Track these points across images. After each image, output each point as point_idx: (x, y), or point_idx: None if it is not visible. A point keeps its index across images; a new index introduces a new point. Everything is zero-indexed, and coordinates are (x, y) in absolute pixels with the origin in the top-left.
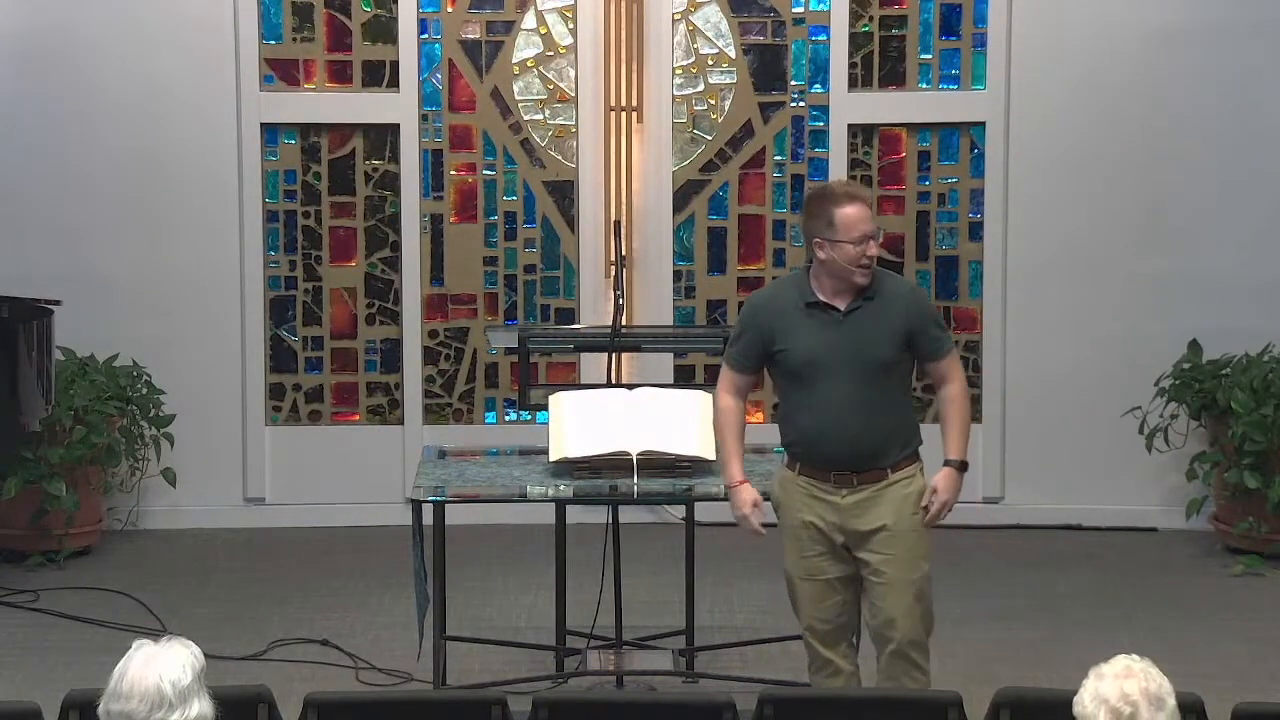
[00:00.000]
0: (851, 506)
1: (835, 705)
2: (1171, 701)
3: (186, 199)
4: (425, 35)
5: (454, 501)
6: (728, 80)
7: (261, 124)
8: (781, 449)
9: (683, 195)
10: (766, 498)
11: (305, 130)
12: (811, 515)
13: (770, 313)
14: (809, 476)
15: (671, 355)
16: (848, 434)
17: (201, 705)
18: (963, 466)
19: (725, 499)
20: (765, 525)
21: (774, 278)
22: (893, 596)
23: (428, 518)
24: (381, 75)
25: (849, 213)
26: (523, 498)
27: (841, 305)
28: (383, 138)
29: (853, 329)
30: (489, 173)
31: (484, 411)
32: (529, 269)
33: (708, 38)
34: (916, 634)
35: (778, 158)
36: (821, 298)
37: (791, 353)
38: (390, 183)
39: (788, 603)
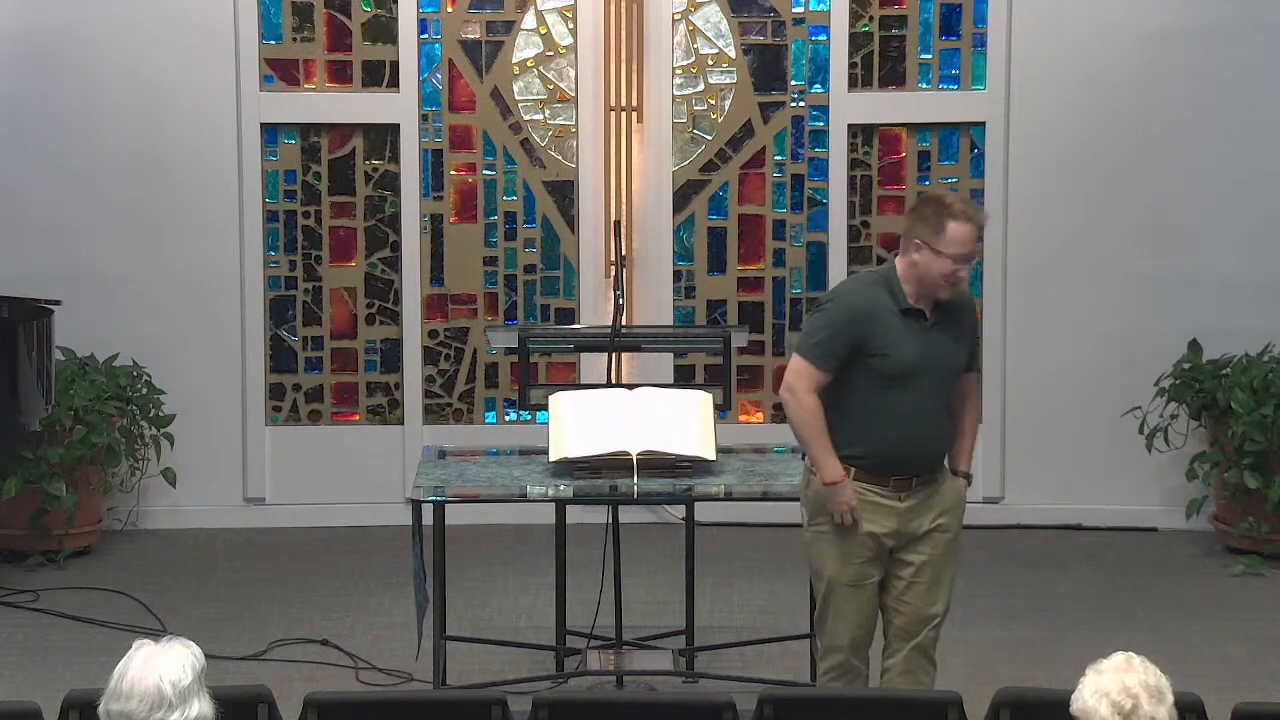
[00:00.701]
0: (907, 510)
1: (835, 705)
2: (1170, 696)
3: (186, 199)
4: (425, 35)
5: (454, 501)
6: (728, 80)
7: (261, 124)
8: (787, 449)
9: (683, 195)
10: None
11: (305, 130)
12: (868, 523)
13: (866, 314)
14: (865, 483)
15: (671, 355)
16: (927, 440)
17: (202, 705)
18: (969, 478)
19: (813, 495)
20: (788, 525)
21: (774, 279)
22: (937, 592)
23: (428, 518)
24: (381, 75)
25: (960, 229)
26: (523, 498)
27: (927, 312)
28: (383, 138)
29: (939, 337)
30: (489, 173)
31: (484, 411)
32: (529, 269)
33: (708, 38)
34: (938, 632)
35: (778, 158)
36: (913, 303)
37: (891, 359)
38: (390, 183)
39: (787, 602)
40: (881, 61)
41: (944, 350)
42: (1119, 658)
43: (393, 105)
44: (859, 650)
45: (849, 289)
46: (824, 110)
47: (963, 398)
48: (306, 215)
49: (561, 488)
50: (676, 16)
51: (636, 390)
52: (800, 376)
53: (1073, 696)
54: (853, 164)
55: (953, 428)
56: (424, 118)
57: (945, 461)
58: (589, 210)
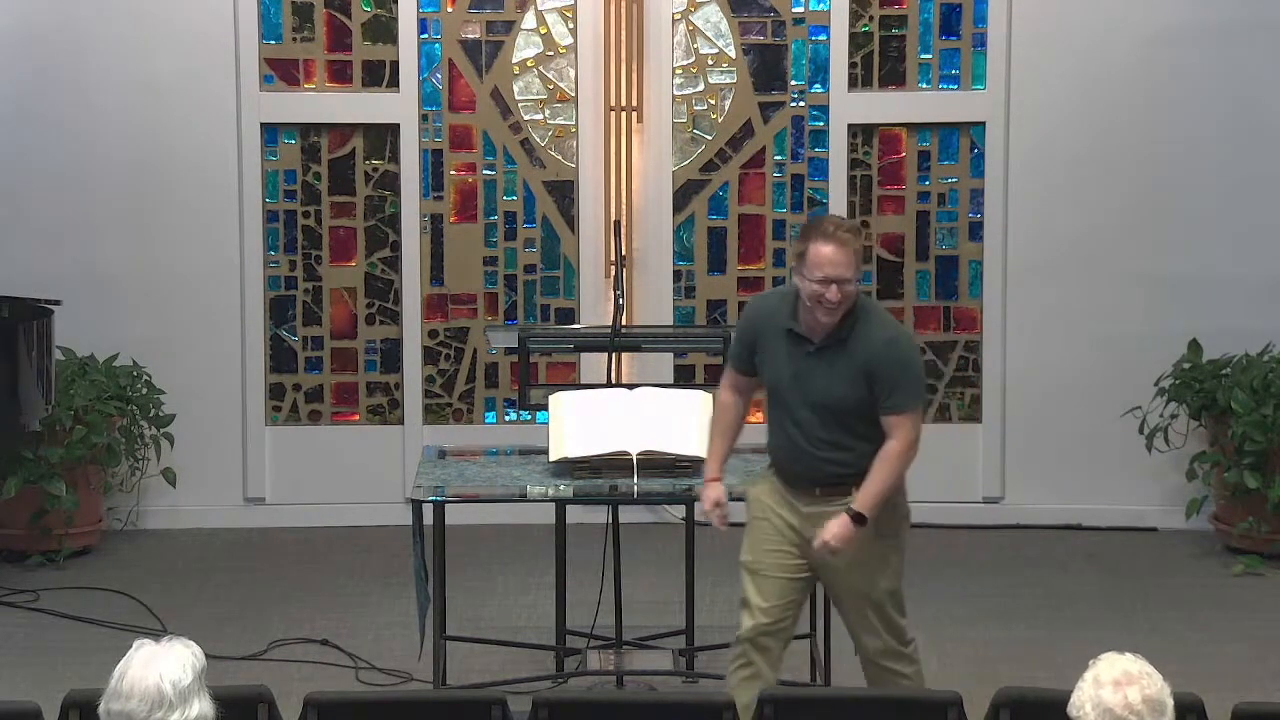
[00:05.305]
0: (812, 516)
1: (835, 705)
2: (1170, 702)
3: (186, 199)
4: (425, 35)
5: (454, 501)
6: (728, 80)
7: (261, 124)
8: None
9: (683, 195)
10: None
11: (305, 130)
12: (773, 514)
13: (757, 324)
14: (780, 477)
15: (671, 355)
16: (803, 464)
17: (202, 705)
18: (857, 517)
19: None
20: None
21: (774, 279)
22: (853, 612)
23: (428, 518)
24: (381, 75)
25: (820, 250)
26: (523, 498)
27: (815, 339)
28: (383, 138)
29: (818, 367)
30: (489, 173)
31: (484, 411)
32: (529, 269)
33: (708, 38)
34: (882, 644)
35: (778, 158)
36: (799, 328)
37: (764, 373)
38: (390, 183)
39: None
40: (881, 61)
41: (821, 383)
42: (1118, 666)
43: (393, 105)
44: (761, 647)
45: (760, 297)
46: (824, 110)
47: (886, 438)
48: (306, 215)
49: (561, 488)
50: (676, 16)
51: (636, 390)
52: (724, 374)
53: (1071, 703)
54: (853, 164)
55: (853, 460)
56: (424, 118)
57: (860, 481)
58: (589, 210)
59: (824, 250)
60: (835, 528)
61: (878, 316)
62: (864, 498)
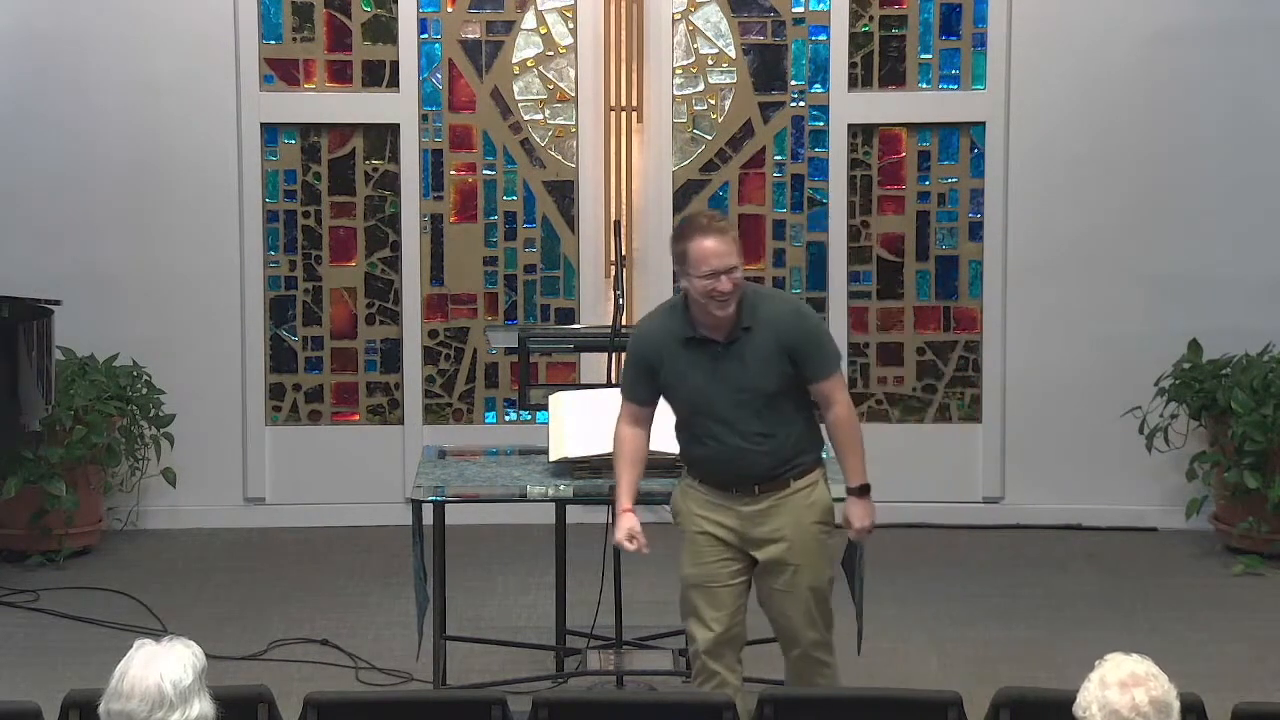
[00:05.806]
0: (752, 515)
1: (835, 705)
2: (1176, 704)
3: (186, 199)
4: (425, 35)
5: (454, 501)
6: (728, 80)
7: (261, 124)
8: None
9: (683, 195)
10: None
11: (305, 130)
12: (709, 523)
13: (656, 345)
14: (708, 485)
15: None
16: (740, 462)
17: (202, 705)
18: (864, 490)
19: None
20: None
21: (774, 279)
22: (794, 605)
23: (428, 518)
24: (381, 75)
25: (702, 245)
26: (523, 498)
27: (720, 337)
28: (383, 138)
29: (734, 363)
30: (489, 173)
31: (484, 411)
32: (529, 269)
33: (708, 38)
34: (820, 635)
35: (778, 158)
36: (700, 332)
37: (674, 389)
38: (390, 183)
39: None
40: (881, 61)
41: (740, 377)
42: (1125, 667)
43: (393, 105)
44: (714, 655)
45: (645, 320)
46: (824, 110)
47: (821, 407)
48: (306, 215)
49: (561, 488)
50: (676, 16)
51: None
52: (620, 409)
53: (1076, 704)
54: (853, 164)
55: (787, 445)
56: (424, 118)
57: (798, 471)
58: (589, 210)
59: (706, 244)
60: (861, 511)
61: (770, 294)
62: (854, 472)
